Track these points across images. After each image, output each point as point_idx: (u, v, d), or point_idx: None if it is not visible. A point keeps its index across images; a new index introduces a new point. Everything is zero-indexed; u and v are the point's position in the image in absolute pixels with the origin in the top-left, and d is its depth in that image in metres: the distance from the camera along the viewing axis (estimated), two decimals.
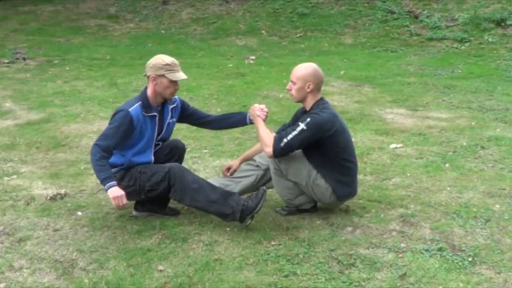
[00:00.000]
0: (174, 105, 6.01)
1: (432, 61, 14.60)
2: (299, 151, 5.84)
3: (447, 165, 7.45)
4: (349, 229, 5.73)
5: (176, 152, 6.20)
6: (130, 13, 21.32)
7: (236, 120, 6.31)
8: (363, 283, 4.82)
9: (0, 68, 14.58)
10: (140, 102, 5.69)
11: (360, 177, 6.97)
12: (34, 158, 7.93)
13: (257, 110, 5.96)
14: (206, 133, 8.57)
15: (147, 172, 5.72)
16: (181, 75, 5.72)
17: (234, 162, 6.46)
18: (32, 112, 10.27)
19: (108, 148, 5.50)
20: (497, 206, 6.24)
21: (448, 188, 6.73)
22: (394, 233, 5.64)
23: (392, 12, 18.54)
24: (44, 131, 9.09)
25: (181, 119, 6.22)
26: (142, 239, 5.60)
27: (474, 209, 6.14)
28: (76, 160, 7.79)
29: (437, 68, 13.77)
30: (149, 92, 5.74)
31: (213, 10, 20.68)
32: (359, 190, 6.39)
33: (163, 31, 19.17)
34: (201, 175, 6.87)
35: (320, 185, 5.79)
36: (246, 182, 6.16)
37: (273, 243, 5.46)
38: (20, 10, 22.21)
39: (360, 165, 7.26)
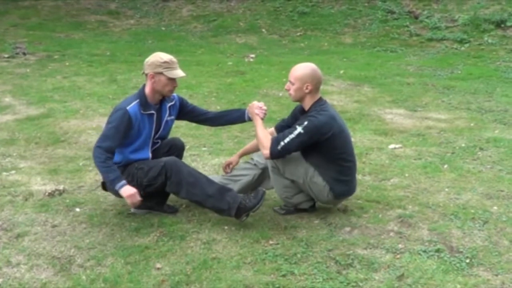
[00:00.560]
0: (172, 102, 6.01)
1: (432, 62, 14.59)
2: None
3: (445, 166, 7.45)
4: (347, 229, 5.73)
5: (175, 150, 6.21)
6: (130, 10, 21.30)
7: (235, 117, 6.30)
8: (360, 284, 4.83)
9: (0, 62, 14.55)
10: (137, 100, 5.69)
11: (358, 177, 6.97)
12: (33, 153, 7.93)
13: (256, 108, 5.95)
14: (205, 131, 8.57)
15: (143, 167, 5.73)
16: (179, 73, 5.71)
17: (233, 158, 6.47)
18: (31, 107, 10.26)
19: (111, 149, 5.53)
20: (495, 207, 6.25)
21: (447, 189, 6.73)
22: (392, 234, 5.64)
23: (392, 12, 18.54)
24: (43, 126, 9.08)
25: (180, 117, 6.22)
26: (140, 236, 5.60)
27: (472, 211, 6.14)
28: (75, 156, 7.79)
29: (437, 68, 13.76)
30: (147, 90, 5.75)
31: (213, 8, 20.67)
32: (358, 190, 6.39)
33: (163, 28, 19.16)
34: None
35: (317, 183, 5.79)
36: (244, 180, 6.18)
37: (271, 242, 5.46)
38: (20, 5, 22.17)
39: (358, 165, 7.25)
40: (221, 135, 8.43)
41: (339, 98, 10.90)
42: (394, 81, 12.44)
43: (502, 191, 6.69)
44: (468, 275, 4.95)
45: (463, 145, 8.25)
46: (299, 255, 5.24)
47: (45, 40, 17.51)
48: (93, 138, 8.12)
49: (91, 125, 9.01)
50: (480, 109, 10.21)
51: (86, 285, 4.81)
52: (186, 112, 6.23)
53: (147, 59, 5.75)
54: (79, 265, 5.11)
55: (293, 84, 5.74)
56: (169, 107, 5.97)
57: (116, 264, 5.11)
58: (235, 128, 8.30)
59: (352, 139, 7.49)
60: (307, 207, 6.06)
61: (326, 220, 5.91)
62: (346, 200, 6.16)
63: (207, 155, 7.69)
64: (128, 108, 5.60)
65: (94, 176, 7.01)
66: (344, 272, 4.99)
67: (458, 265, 5.09)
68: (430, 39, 16.73)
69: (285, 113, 7.79)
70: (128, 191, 5.43)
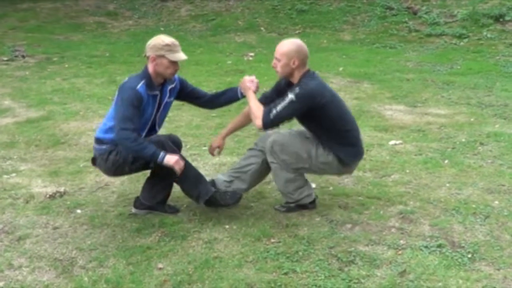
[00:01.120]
0: (173, 85, 5.98)
1: (431, 57, 14.59)
2: (290, 135, 5.92)
3: (446, 161, 7.46)
4: (349, 226, 5.74)
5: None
6: (129, 10, 21.29)
7: (229, 96, 6.28)
8: (362, 280, 4.83)
9: None
10: (144, 81, 5.67)
11: (359, 173, 7.00)
12: (34, 156, 7.93)
13: (248, 82, 5.96)
14: (206, 130, 8.59)
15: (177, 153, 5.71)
16: (181, 56, 5.71)
17: (218, 141, 6.42)
18: (31, 110, 10.25)
19: (135, 128, 5.52)
20: (496, 202, 6.25)
21: (448, 185, 6.74)
22: (393, 230, 5.64)
23: (391, 8, 18.52)
24: (43, 128, 9.08)
25: (180, 97, 6.20)
26: (141, 237, 5.61)
27: (474, 206, 6.15)
28: (75, 158, 7.79)
29: (436, 64, 13.76)
30: (150, 71, 5.73)
31: (212, 7, 20.66)
32: (358, 186, 6.43)
33: (162, 28, 19.12)
34: (201, 172, 6.89)
35: (324, 160, 5.82)
36: (253, 169, 6.15)
37: (272, 240, 5.46)
38: (19, 7, 22.16)
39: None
40: None
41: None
42: (394, 77, 12.44)
43: (503, 185, 6.70)
44: (470, 270, 4.95)
45: (463, 140, 8.25)
46: (300, 253, 5.24)
47: (44, 42, 17.50)
48: (93, 140, 8.13)
49: (91, 127, 8.98)
50: (480, 104, 10.21)
51: (88, 286, 4.81)
52: (186, 93, 6.20)
53: (149, 42, 5.74)
54: (81, 267, 5.11)
55: (279, 60, 5.73)
56: (170, 89, 5.95)
57: (118, 265, 5.11)
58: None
59: None
60: (308, 202, 6.06)
61: (327, 217, 5.91)
62: (351, 173, 6.27)
63: (208, 154, 7.67)
64: (138, 88, 5.58)
65: (94, 178, 7.02)
66: (346, 269, 4.99)
67: (460, 260, 5.09)
68: (429, 35, 16.71)
69: None
70: (173, 159, 5.49)
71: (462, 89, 11.36)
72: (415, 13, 17.98)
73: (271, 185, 6.63)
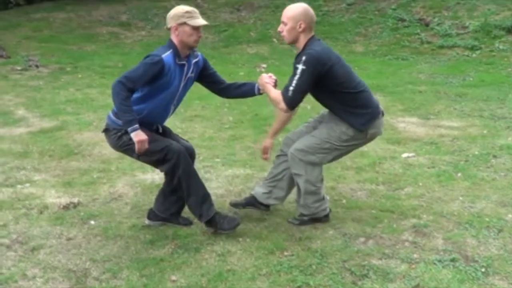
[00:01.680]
0: (197, 59, 5.91)
1: (443, 69, 14.58)
2: (303, 137, 5.94)
3: (459, 174, 7.44)
4: (362, 239, 5.73)
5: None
6: (142, 21, 21.36)
7: (246, 90, 6.23)
8: None
9: (13, 75, 14.63)
10: (171, 50, 5.64)
11: (372, 186, 7.00)
12: (47, 166, 7.96)
13: (266, 78, 5.94)
14: (218, 142, 8.60)
15: (148, 136, 5.62)
16: (202, 21, 5.66)
17: (267, 142, 6.34)
18: (45, 120, 10.31)
19: (133, 89, 5.46)
20: (510, 215, 6.23)
21: (461, 198, 6.72)
22: (406, 244, 5.63)
23: (403, 20, 18.53)
24: (57, 139, 9.12)
25: (200, 77, 6.10)
26: (155, 249, 5.61)
27: (487, 219, 6.13)
28: (88, 168, 7.81)
29: (448, 76, 13.76)
30: (175, 42, 5.68)
31: (224, 18, 20.71)
32: (371, 199, 6.43)
33: None
34: (213, 184, 6.91)
35: (345, 137, 5.81)
36: (288, 174, 6.12)
37: (286, 253, 5.46)
38: (32, 17, 22.28)
39: (372, 174, 7.32)
40: (234, 146, 8.44)
41: None
42: (406, 89, 12.44)
43: None
44: (484, 284, 4.94)
45: (476, 152, 8.24)
46: (314, 266, 5.23)
47: (57, 52, 17.58)
48: (107, 151, 8.14)
49: (104, 138, 8.99)
50: (493, 116, 10.19)
51: None
52: (207, 74, 6.12)
53: (169, 13, 5.72)
54: (94, 278, 5.12)
55: (286, 24, 5.71)
56: (194, 63, 5.88)
57: (131, 276, 5.12)
58: (248, 139, 8.32)
59: (365, 148, 7.54)
60: (323, 215, 6.06)
61: (341, 230, 5.90)
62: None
63: (221, 166, 7.70)
64: (163, 56, 5.54)
65: (108, 189, 7.04)
66: (359, 283, 4.99)
67: (473, 274, 5.07)
68: (441, 46, 16.71)
69: (297, 123, 7.78)
70: (139, 135, 5.41)
71: (474, 101, 11.34)
72: (427, 25, 17.97)
73: None
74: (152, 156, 5.65)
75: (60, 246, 5.68)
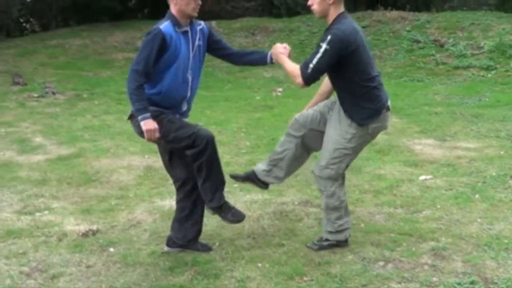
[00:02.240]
0: (201, 26, 5.89)
1: (459, 90, 14.58)
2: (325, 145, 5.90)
3: (477, 196, 7.42)
4: (381, 263, 5.71)
5: None
6: None
7: (257, 58, 6.20)
8: None
9: (30, 102, 14.73)
10: (169, 20, 5.63)
11: (390, 210, 6.99)
12: (65, 193, 7.99)
13: (280, 48, 5.91)
14: (236, 167, 8.61)
15: (176, 122, 5.68)
16: None
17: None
18: (62, 147, 10.36)
19: (145, 72, 5.48)
20: None
21: (479, 220, 6.70)
22: (426, 267, 5.61)
23: (418, 41, 18.57)
24: (75, 166, 9.16)
25: (208, 46, 6.05)
26: (174, 275, 5.61)
27: (506, 241, 6.10)
28: (107, 195, 7.84)
29: (464, 96, 13.75)
30: (174, 13, 5.67)
31: (239, 42, 20.77)
32: (390, 223, 6.41)
33: None
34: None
35: (351, 136, 5.79)
36: (289, 154, 6.11)
37: (305, 278, 5.45)
38: (48, 44, 22.44)
39: (390, 197, 7.31)
40: None
41: None
42: (422, 111, 12.44)
43: None
44: None
45: (493, 174, 8.21)
46: None
47: (73, 79, 17.67)
48: (125, 177, 8.20)
49: (122, 164, 9.06)
50: (510, 137, 10.17)
51: None
52: (213, 41, 6.06)
53: None
54: None
55: None
56: (199, 30, 5.85)
57: None
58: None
59: (383, 171, 7.54)
60: (343, 239, 6.06)
61: (360, 254, 5.89)
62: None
63: (238, 192, 7.71)
64: (161, 27, 5.54)
65: (126, 216, 7.05)
66: None
67: None
68: (457, 67, 16.73)
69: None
70: (148, 124, 5.43)
71: (491, 121, 11.33)
72: (442, 46, 18.00)
73: (302, 222, 6.66)
74: (181, 143, 5.65)
75: (80, 274, 5.69)
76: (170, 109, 5.71)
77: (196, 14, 5.72)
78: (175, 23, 5.62)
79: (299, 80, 5.57)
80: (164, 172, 7.74)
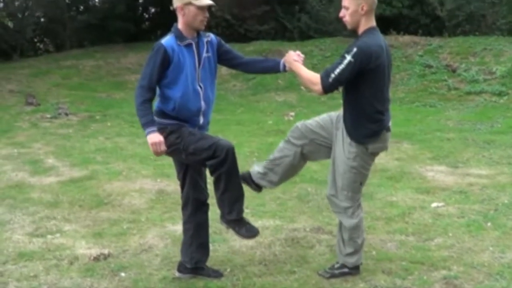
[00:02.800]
0: (209, 38, 5.88)
1: (471, 116, 14.57)
2: (331, 175, 5.94)
3: (489, 224, 7.41)
4: None
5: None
6: None
7: (270, 65, 6.17)
8: None
9: (43, 123, 14.81)
10: (172, 34, 5.65)
11: (402, 237, 6.98)
12: (77, 216, 8.00)
13: (294, 56, 5.89)
14: (248, 193, 8.54)
15: (196, 135, 5.66)
16: (207, 1, 5.63)
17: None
18: (74, 169, 10.38)
19: (151, 86, 5.51)
20: None
21: (491, 248, 6.68)
22: None
23: (430, 66, 18.57)
24: (87, 188, 9.18)
25: (219, 56, 6.03)
26: None
27: None
28: (118, 219, 7.84)
29: (476, 122, 13.74)
30: (180, 25, 5.68)
31: None
32: (401, 251, 6.38)
33: None
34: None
35: (351, 155, 5.79)
36: (286, 162, 6.12)
37: None
38: (62, 65, 22.55)
39: (401, 225, 7.30)
40: (264, 197, 8.41)
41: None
42: (434, 137, 12.43)
43: None
44: None
45: (506, 201, 8.20)
46: None
47: (86, 100, 17.76)
48: (137, 201, 8.21)
49: (134, 187, 9.07)
50: None
51: None
52: (223, 51, 6.04)
53: None
54: None
55: (347, 8, 5.64)
56: (206, 42, 5.84)
57: None
58: (278, 190, 8.30)
59: (394, 198, 7.53)
60: (358, 264, 6.04)
61: (371, 283, 5.87)
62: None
63: (250, 217, 7.68)
64: (162, 41, 5.56)
65: (138, 240, 7.06)
66: None
67: None
68: (469, 93, 16.71)
69: (326, 173, 7.79)
70: (153, 138, 5.43)
71: (503, 148, 11.31)
72: (454, 71, 18.00)
73: (314, 249, 6.66)
74: (201, 154, 5.62)
75: None
76: (188, 123, 5.72)
77: (203, 27, 5.73)
78: (178, 36, 5.64)
79: (318, 87, 5.57)
80: (176, 196, 7.79)
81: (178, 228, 7.29)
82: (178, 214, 7.48)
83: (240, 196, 5.81)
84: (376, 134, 5.79)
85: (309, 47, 20.99)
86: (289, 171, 6.21)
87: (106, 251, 6.70)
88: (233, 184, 5.71)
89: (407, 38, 20.71)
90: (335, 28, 22.08)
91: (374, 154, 5.98)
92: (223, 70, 20.41)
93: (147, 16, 31.60)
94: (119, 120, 14.96)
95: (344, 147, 5.78)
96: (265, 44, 22.68)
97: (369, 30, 5.67)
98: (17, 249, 6.83)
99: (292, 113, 15.42)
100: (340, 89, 5.84)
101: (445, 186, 9.01)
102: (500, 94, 16.26)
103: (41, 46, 30.11)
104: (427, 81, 17.88)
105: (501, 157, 10.64)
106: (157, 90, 5.69)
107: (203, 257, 6.10)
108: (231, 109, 16.41)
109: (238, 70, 6.52)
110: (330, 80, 5.49)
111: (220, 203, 5.79)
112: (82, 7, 29.08)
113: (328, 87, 5.54)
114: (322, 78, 5.54)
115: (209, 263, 6.17)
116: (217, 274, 6.08)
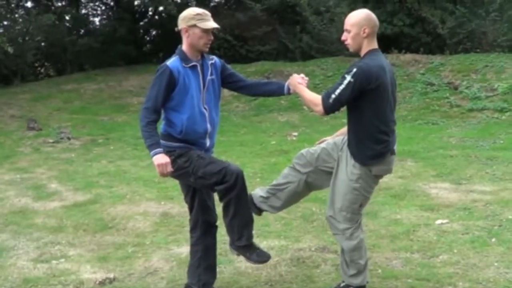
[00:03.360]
0: (212, 61, 5.88)
1: (474, 133, 14.58)
2: (332, 192, 5.91)
3: (493, 239, 7.40)
4: None
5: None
6: None
7: (274, 89, 6.21)
8: None
9: (45, 147, 14.84)
10: (177, 56, 5.66)
11: (407, 255, 6.97)
12: (82, 240, 8.00)
13: (298, 78, 5.93)
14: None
15: (205, 158, 5.64)
16: (212, 24, 5.64)
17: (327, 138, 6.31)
18: (78, 193, 10.39)
19: (156, 108, 5.52)
20: None
21: (496, 264, 6.68)
22: None
23: (432, 84, 18.59)
24: (91, 212, 9.18)
25: (222, 79, 6.01)
26: None
27: None
28: (123, 243, 7.84)
29: (479, 139, 13.75)
30: (184, 46, 5.70)
31: None
32: (407, 268, 6.37)
33: None
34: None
35: (353, 176, 5.75)
36: (290, 188, 6.12)
37: None
38: (63, 89, 22.59)
39: (406, 242, 7.29)
40: (268, 217, 8.39)
41: None
42: (438, 154, 12.43)
43: None
44: None
45: (510, 217, 8.19)
46: None
47: (88, 123, 17.79)
48: (141, 224, 8.21)
49: (138, 211, 9.07)
50: None
51: None
52: (227, 75, 6.03)
53: (180, 15, 5.72)
54: None
55: (349, 32, 5.66)
56: (210, 64, 5.84)
57: None
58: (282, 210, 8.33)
59: (399, 216, 7.52)
60: (365, 283, 6.00)
61: None
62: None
63: (255, 238, 7.67)
64: (168, 63, 5.57)
65: (143, 263, 7.05)
66: None
67: None
68: (471, 110, 16.73)
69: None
70: (159, 159, 5.41)
71: (506, 164, 11.31)
72: (456, 88, 18.02)
73: (320, 269, 6.65)
74: (211, 179, 5.59)
75: None
76: (195, 145, 5.71)
77: (207, 49, 5.75)
78: (183, 58, 5.65)
79: (319, 108, 5.59)
80: (180, 219, 7.80)
81: (183, 250, 7.30)
82: (183, 236, 7.51)
83: (249, 222, 5.78)
84: (380, 156, 5.76)
85: (311, 67, 21.05)
86: (292, 197, 6.21)
87: (111, 275, 6.70)
88: (242, 209, 5.69)
89: (408, 56, 20.75)
90: (336, 47, 22.11)
91: (378, 177, 5.95)
92: (225, 92, 20.31)
93: (148, 38, 31.74)
94: (121, 143, 14.98)
95: (347, 169, 5.77)
96: (267, 64, 22.74)
97: (371, 52, 5.68)
98: (22, 275, 6.83)
99: (295, 133, 15.44)
100: (343, 109, 5.85)
101: (449, 203, 9.00)
102: (502, 111, 16.27)
103: (42, 70, 30.18)
104: (429, 99, 17.91)
105: (504, 173, 10.63)
106: (162, 113, 5.70)
107: (211, 279, 6.08)
108: (234, 130, 16.44)
109: (242, 93, 6.55)
110: (331, 101, 5.51)
111: (230, 229, 5.76)
112: (82, 31, 29.09)
113: (329, 108, 5.56)
114: (323, 99, 5.56)
115: (215, 285, 6.15)
116: None
